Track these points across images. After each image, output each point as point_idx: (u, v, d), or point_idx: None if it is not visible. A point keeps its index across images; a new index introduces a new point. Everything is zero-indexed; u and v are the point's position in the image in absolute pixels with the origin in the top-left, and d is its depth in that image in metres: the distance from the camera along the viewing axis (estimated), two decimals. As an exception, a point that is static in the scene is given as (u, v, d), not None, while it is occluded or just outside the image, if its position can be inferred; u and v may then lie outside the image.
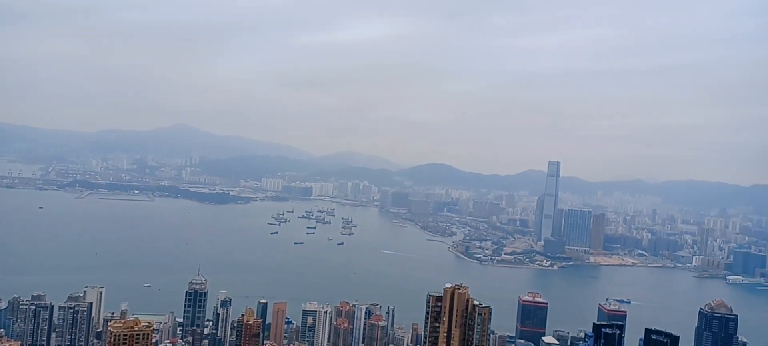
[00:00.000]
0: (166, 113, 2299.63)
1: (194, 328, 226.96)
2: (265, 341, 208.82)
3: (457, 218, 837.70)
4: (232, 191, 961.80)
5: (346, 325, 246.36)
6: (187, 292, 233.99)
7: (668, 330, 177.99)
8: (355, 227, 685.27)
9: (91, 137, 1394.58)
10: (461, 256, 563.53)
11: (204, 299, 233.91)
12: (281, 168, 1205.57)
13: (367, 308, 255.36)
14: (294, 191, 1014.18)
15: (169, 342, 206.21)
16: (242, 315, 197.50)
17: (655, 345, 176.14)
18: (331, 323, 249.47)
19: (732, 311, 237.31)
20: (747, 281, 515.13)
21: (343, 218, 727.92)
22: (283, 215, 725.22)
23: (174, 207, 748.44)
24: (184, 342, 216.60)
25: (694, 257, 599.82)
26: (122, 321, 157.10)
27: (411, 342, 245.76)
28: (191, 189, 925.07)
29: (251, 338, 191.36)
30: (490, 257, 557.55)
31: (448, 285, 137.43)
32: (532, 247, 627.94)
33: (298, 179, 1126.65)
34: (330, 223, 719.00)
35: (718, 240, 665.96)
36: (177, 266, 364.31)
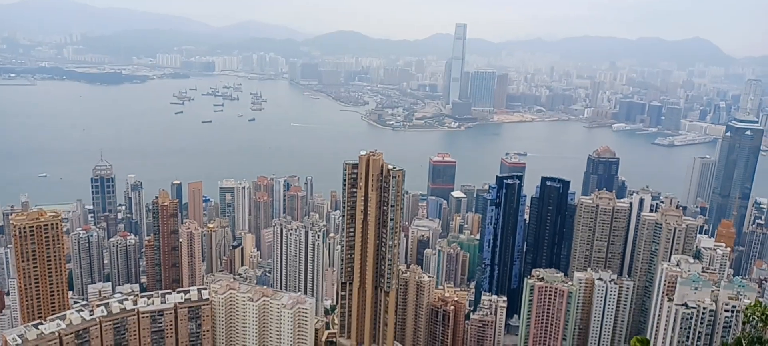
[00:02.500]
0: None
1: (107, 213, 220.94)
2: (183, 221, 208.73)
3: (369, 87, 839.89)
4: (124, 69, 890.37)
5: (265, 198, 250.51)
6: (92, 179, 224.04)
7: (561, 177, 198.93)
8: (265, 102, 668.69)
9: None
10: (374, 124, 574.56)
11: (112, 185, 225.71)
12: (177, 42, 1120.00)
13: (285, 181, 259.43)
14: (195, 66, 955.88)
15: (83, 230, 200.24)
16: (156, 198, 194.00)
17: (549, 191, 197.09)
18: (250, 198, 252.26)
19: (615, 155, 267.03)
20: (629, 128, 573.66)
21: (251, 93, 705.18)
22: (186, 93, 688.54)
23: (61, 91, 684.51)
24: (98, 228, 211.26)
25: (586, 109, 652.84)
26: (25, 213, 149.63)
27: (330, 208, 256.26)
28: (77, 70, 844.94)
29: (169, 218, 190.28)
30: (402, 123, 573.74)
31: (363, 153, 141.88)
32: (442, 110, 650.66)
33: (197, 53, 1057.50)
34: (238, 99, 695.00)
35: (607, 92, 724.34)
36: (75, 154, 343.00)
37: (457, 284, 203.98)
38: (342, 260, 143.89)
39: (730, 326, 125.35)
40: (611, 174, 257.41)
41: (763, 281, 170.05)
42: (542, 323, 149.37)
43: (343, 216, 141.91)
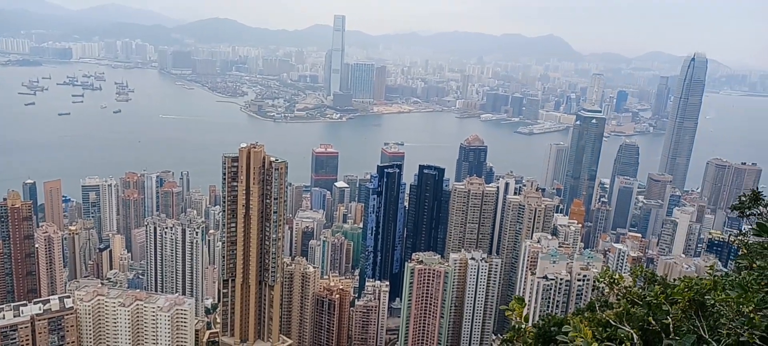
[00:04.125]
0: None
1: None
2: (40, 224, 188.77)
3: (247, 77, 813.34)
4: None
5: (136, 196, 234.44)
6: None
7: (437, 164, 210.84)
8: (132, 92, 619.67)
9: None
10: (254, 115, 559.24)
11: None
12: (25, 25, 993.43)
13: (158, 176, 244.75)
14: (48, 52, 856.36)
15: None
16: (5, 199, 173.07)
17: (426, 178, 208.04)
18: (118, 196, 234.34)
19: (483, 143, 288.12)
20: (495, 118, 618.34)
21: (116, 83, 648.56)
22: (37, 82, 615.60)
23: None
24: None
25: (458, 101, 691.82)
26: None
27: (209, 204, 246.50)
28: None
29: (21, 222, 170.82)
30: (283, 115, 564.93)
31: (244, 145, 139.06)
32: (323, 101, 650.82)
33: (50, 37, 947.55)
34: (101, 89, 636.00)
35: (476, 85, 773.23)
36: None
37: (342, 273, 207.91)
38: (223, 257, 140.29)
39: (582, 293, 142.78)
40: (480, 161, 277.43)
41: (608, 252, 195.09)
42: (422, 303, 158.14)
43: (224, 211, 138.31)
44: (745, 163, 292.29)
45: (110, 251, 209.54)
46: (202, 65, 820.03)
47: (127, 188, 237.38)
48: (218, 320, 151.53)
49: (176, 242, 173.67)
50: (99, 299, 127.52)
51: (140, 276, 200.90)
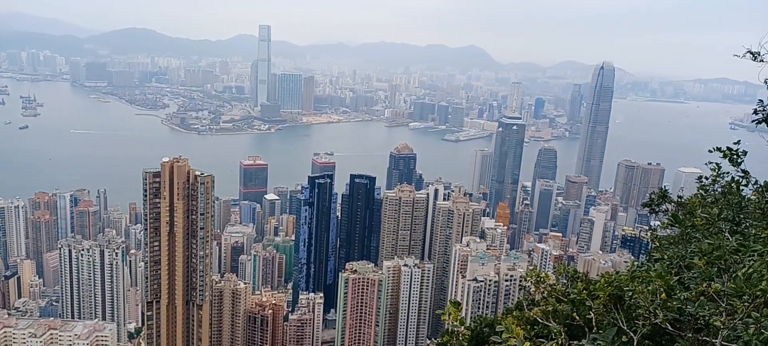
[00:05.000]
0: None
1: None
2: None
3: (169, 89, 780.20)
4: None
5: (47, 217, 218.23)
6: None
7: (368, 173, 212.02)
8: (40, 106, 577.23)
9: None
10: (177, 128, 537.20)
11: None
12: None
13: (72, 195, 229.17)
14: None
15: None
16: None
17: (358, 187, 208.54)
18: (27, 218, 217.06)
19: (413, 151, 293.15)
20: (423, 126, 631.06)
21: (22, 97, 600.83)
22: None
23: None
24: None
25: (386, 110, 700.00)
26: None
27: (130, 222, 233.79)
28: None
29: None
30: (208, 127, 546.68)
31: (166, 159, 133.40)
32: (250, 113, 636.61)
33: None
34: (4, 103, 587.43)
35: (403, 94, 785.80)
36: None
37: (275, 287, 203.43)
38: (147, 278, 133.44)
39: (510, 293, 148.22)
40: (410, 168, 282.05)
41: (532, 252, 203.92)
42: (357, 313, 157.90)
43: (146, 229, 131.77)
44: (650, 164, 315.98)
45: (18, 278, 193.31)
46: (118, 77, 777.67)
47: (37, 209, 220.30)
48: (143, 344, 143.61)
49: (94, 265, 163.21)
50: (6, 332, 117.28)
51: (54, 303, 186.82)
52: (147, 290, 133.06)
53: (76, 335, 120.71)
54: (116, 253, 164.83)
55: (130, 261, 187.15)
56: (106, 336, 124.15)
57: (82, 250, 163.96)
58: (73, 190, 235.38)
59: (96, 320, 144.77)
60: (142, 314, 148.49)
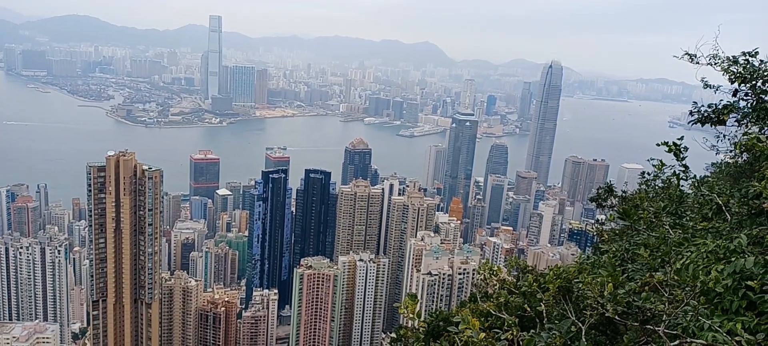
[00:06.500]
0: None
1: None
2: None
3: (114, 79, 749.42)
4: None
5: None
6: None
7: (323, 168, 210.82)
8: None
9: None
10: (123, 120, 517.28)
11: None
12: None
13: (8, 190, 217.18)
14: None
15: None
16: None
17: (313, 182, 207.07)
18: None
19: (368, 146, 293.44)
20: (378, 121, 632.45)
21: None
22: None
23: None
24: None
25: (341, 105, 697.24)
26: None
27: (73, 219, 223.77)
28: None
29: None
30: (156, 119, 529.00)
31: (111, 153, 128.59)
32: (201, 105, 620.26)
33: None
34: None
35: (358, 89, 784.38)
36: None
37: (228, 284, 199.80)
38: (92, 276, 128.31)
39: (463, 286, 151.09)
40: (365, 164, 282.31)
41: (484, 245, 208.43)
42: (312, 309, 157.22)
43: (91, 226, 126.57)
44: (596, 160, 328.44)
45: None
46: (59, 66, 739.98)
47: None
48: (89, 345, 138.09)
49: (34, 263, 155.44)
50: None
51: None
52: (92, 288, 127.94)
53: (14, 337, 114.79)
54: (58, 250, 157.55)
55: (74, 259, 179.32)
56: (47, 337, 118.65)
57: (21, 248, 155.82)
58: (10, 185, 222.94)
59: (37, 321, 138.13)
60: (88, 313, 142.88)
